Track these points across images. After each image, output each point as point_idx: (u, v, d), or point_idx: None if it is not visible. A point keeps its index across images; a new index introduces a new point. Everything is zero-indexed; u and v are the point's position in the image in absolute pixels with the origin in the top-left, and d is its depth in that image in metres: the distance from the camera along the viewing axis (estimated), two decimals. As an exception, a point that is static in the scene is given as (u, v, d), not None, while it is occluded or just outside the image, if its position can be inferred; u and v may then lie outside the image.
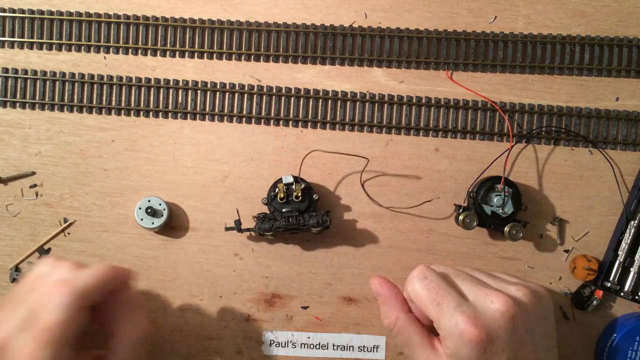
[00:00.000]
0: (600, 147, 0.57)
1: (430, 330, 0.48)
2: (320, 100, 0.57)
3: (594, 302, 0.55)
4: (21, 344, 0.42)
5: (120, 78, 0.57)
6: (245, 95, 0.57)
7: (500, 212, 0.54)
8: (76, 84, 0.57)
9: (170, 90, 0.57)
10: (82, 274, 0.46)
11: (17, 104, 0.57)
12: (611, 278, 0.55)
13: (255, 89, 0.57)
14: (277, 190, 0.53)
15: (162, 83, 0.58)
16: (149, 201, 0.55)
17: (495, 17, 0.58)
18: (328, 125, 0.57)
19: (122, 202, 0.57)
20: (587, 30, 0.57)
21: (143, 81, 0.58)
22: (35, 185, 0.57)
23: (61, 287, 0.44)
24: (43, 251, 0.57)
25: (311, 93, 0.57)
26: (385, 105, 0.57)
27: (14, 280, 0.56)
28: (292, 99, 0.57)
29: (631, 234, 0.55)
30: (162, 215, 0.55)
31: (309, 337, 0.56)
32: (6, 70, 0.57)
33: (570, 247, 0.56)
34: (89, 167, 0.57)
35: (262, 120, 0.57)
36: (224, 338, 0.56)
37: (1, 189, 0.57)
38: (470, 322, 0.43)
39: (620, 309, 0.56)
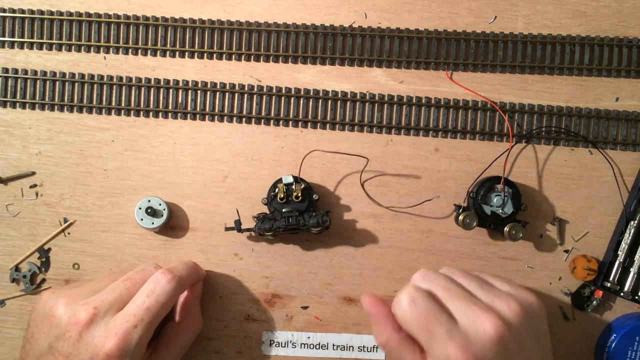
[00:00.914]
0: (600, 147, 0.57)
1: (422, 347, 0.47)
2: (320, 100, 0.57)
3: (594, 302, 0.55)
4: (118, 320, 0.45)
5: (120, 78, 0.58)
6: (245, 95, 0.57)
7: (500, 212, 0.54)
8: (76, 84, 0.57)
9: (170, 90, 0.57)
10: (179, 266, 0.51)
11: (17, 104, 0.57)
12: (611, 278, 0.55)
13: (255, 89, 0.57)
14: (277, 190, 0.53)
15: (162, 83, 0.58)
16: (149, 201, 0.55)
17: (495, 17, 0.58)
18: (328, 125, 0.57)
19: (122, 202, 0.57)
20: (587, 30, 0.57)
21: (143, 81, 0.58)
22: (35, 185, 0.57)
23: (169, 274, 0.48)
24: (43, 251, 0.57)
25: (311, 93, 0.57)
26: (385, 105, 0.57)
27: (14, 280, 0.56)
28: (292, 99, 0.57)
29: (631, 234, 0.55)
30: (162, 215, 0.55)
31: (309, 337, 0.56)
32: (6, 70, 0.57)
33: (570, 247, 0.56)
34: (89, 167, 0.57)
35: (262, 120, 0.57)
36: (224, 338, 0.56)
37: (1, 189, 0.57)
38: (462, 351, 0.42)
39: (620, 309, 0.56)
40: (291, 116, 0.57)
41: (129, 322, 0.45)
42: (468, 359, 0.42)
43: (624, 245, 0.55)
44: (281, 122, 0.57)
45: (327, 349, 0.56)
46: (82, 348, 0.45)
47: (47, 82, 0.57)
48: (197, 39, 0.58)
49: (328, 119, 0.57)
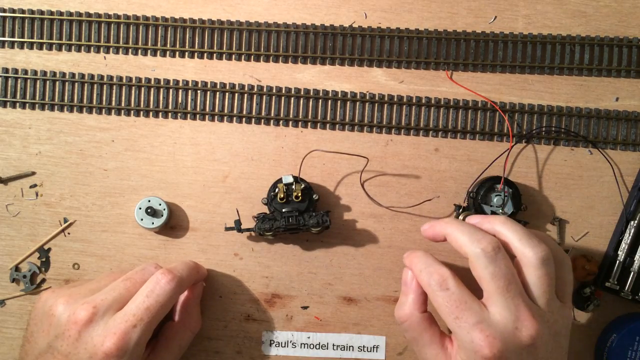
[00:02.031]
0: (600, 147, 0.57)
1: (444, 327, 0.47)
2: (320, 100, 0.57)
3: (594, 302, 0.55)
4: (117, 319, 0.45)
5: (120, 78, 0.58)
6: (245, 95, 0.57)
7: (500, 212, 0.54)
8: (76, 84, 0.57)
9: (170, 90, 0.58)
10: (179, 266, 0.51)
11: (17, 104, 0.57)
12: (611, 278, 0.55)
13: (255, 89, 0.58)
14: (277, 190, 0.53)
15: (162, 83, 0.58)
16: (149, 201, 0.55)
17: (495, 17, 0.58)
18: (328, 125, 0.57)
19: (122, 202, 0.57)
20: (587, 30, 0.57)
21: (143, 81, 0.58)
22: (35, 185, 0.57)
23: (169, 274, 0.48)
24: (43, 251, 0.57)
25: (311, 93, 0.57)
26: (385, 105, 0.57)
27: (14, 280, 0.56)
28: (292, 99, 0.57)
29: (631, 234, 0.55)
30: (162, 215, 0.55)
31: (309, 337, 0.56)
32: (6, 70, 0.58)
33: (570, 247, 0.56)
34: (89, 167, 0.57)
35: (262, 120, 0.57)
36: (224, 338, 0.56)
37: (1, 189, 0.57)
38: (488, 342, 0.42)
39: (620, 309, 0.56)
40: (291, 116, 0.57)
41: (128, 322, 0.45)
42: (492, 353, 0.42)
43: (624, 245, 0.55)
44: (281, 122, 0.57)
45: (327, 349, 0.56)
46: (81, 347, 0.45)
47: (47, 82, 0.57)
48: (197, 39, 0.58)
49: (328, 119, 0.57)
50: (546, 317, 0.44)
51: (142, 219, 0.55)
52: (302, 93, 0.57)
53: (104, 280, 0.51)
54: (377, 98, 0.57)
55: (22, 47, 0.58)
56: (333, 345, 0.56)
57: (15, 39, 0.58)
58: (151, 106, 0.58)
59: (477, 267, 0.44)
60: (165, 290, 0.47)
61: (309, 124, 0.57)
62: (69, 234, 0.57)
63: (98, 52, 0.58)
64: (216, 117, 0.57)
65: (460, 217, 0.53)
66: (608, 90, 0.57)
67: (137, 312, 0.46)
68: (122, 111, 0.57)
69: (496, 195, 0.54)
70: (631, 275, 0.55)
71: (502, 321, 0.43)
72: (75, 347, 0.45)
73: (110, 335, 0.45)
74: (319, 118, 0.57)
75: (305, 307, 0.56)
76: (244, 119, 0.57)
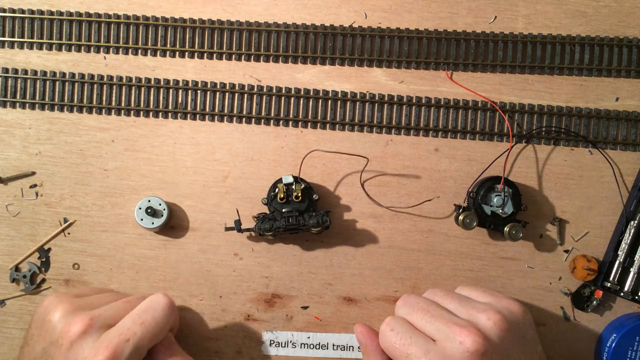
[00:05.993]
0: (600, 147, 0.57)
1: None
2: (320, 100, 0.57)
3: (594, 302, 0.55)
4: (112, 333, 0.45)
5: (120, 78, 0.58)
6: (245, 95, 0.57)
7: (500, 212, 0.54)
8: (76, 84, 0.57)
9: (170, 90, 0.58)
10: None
11: (17, 104, 0.57)
12: (611, 278, 0.55)
13: (255, 89, 0.58)
14: (277, 190, 0.53)
15: (162, 83, 0.58)
16: (149, 201, 0.55)
17: (495, 17, 0.58)
18: (328, 125, 0.57)
19: (122, 202, 0.57)
20: (587, 30, 0.57)
21: (143, 81, 0.58)
22: (35, 185, 0.57)
23: (168, 298, 0.49)
24: (43, 251, 0.57)
25: (311, 93, 0.57)
26: (385, 105, 0.57)
27: (14, 280, 0.56)
28: (292, 99, 0.57)
29: (631, 234, 0.55)
30: (162, 215, 0.55)
31: (309, 337, 0.56)
32: (6, 70, 0.58)
33: (570, 247, 0.56)
34: (89, 167, 0.57)
35: (262, 120, 0.57)
36: (224, 338, 0.56)
37: (1, 189, 0.57)
38: None
39: (620, 309, 0.56)
40: (291, 116, 0.57)
41: (122, 336, 0.45)
42: None
43: (624, 245, 0.55)
44: (281, 122, 0.57)
45: (327, 349, 0.56)
46: (71, 358, 0.45)
47: (47, 82, 0.57)
48: (197, 39, 0.58)
49: (328, 119, 0.57)
50: (481, 322, 0.45)
51: (142, 219, 0.55)
52: (302, 93, 0.57)
53: (107, 297, 0.51)
54: (377, 98, 0.57)
55: (22, 47, 0.58)
56: (333, 345, 0.56)
57: (15, 39, 0.58)
58: (151, 106, 0.58)
59: (392, 323, 0.48)
60: (164, 308, 0.48)
61: (309, 124, 0.57)
62: (69, 234, 0.57)
63: (98, 52, 0.58)
64: (216, 117, 0.57)
65: (460, 218, 0.54)
66: (608, 90, 0.57)
67: (132, 327, 0.46)
68: (122, 111, 0.57)
69: (496, 195, 0.54)
70: (631, 275, 0.55)
71: (447, 344, 0.44)
72: (66, 357, 0.45)
73: (103, 348, 0.44)
74: (319, 118, 0.57)
75: (305, 307, 0.56)
76: (244, 119, 0.57)
